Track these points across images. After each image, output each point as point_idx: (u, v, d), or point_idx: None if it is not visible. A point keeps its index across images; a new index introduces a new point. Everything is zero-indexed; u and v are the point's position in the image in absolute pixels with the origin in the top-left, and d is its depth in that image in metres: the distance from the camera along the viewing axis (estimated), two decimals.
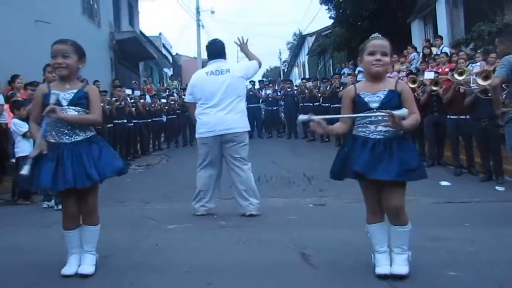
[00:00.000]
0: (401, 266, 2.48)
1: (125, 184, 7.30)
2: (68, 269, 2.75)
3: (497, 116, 4.39)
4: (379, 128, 2.51)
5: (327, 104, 11.23)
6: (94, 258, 2.83)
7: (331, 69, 21.66)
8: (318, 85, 12.57)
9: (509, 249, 3.14)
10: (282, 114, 13.55)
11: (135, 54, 16.77)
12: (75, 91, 2.77)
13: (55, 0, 10.79)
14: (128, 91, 10.68)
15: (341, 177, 2.62)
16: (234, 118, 4.46)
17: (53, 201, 5.31)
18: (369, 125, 2.53)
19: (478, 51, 8.94)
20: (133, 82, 13.70)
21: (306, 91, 12.25)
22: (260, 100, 13.42)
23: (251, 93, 13.34)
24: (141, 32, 18.86)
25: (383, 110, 2.45)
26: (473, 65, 7.70)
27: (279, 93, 13.40)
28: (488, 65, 7.45)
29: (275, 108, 13.27)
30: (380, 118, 2.49)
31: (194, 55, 26.09)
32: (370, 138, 2.51)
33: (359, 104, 2.56)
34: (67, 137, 2.72)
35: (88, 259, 2.80)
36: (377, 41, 2.55)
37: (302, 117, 2.50)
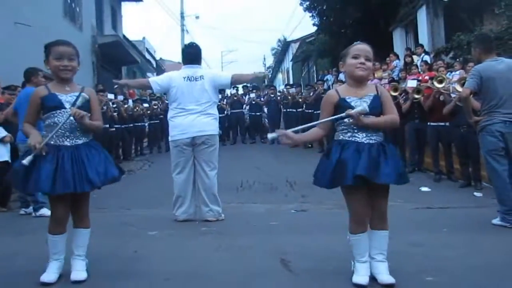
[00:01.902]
0: (388, 275, 2.49)
1: (106, 190, 7.02)
2: (47, 276, 2.69)
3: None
4: (370, 133, 2.52)
5: (310, 110, 11.31)
6: (85, 263, 2.80)
7: (315, 76, 21.82)
8: (302, 91, 12.66)
9: (485, 254, 3.19)
10: (266, 120, 13.57)
11: (118, 58, 16.60)
12: (76, 94, 2.76)
13: (35, 2, 10.57)
14: (111, 96, 10.56)
15: (335, 185, 2.52)
16: (206, 121, 4.51)
17: (31, 207, 5.19)
18: (359, 130, 2.52)
19: (458, 60, 9.13)
20: (115, 86, 13.53)
21: (289, 97, 12.32)
22: (244, 106, 13.43)
23: (235, 98, 13.38)
24: (124, 36, 18.69)
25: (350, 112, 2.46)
26: (452, 73, 7.86)
27: (262, 99, 13.44)
28: (467, 73, 7.62)
29: (258, 113, 13.30)
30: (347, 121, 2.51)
31: (178, 60, 25.99)
32: (363, 143, 2.50)
33: (344, 109, 2.51)
34: (68, 140, 2.70)
35: (80, 265, 2.77)
36: (362, 46, 2.58)
37: (270, 136, 2.49)
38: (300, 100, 11.90)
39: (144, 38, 24.32)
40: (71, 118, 2.66)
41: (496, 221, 4.08)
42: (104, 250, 3.42)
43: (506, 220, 3.98)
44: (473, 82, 4.13)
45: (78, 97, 2.72)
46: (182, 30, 23.07)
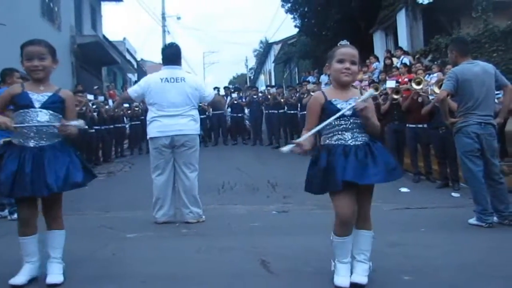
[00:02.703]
0: (361, 276, 2.48)
1: (84, 193, 6.95)
2: (17, 279, 2.62)
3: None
4: (356, 134, 2.52)
5: (293, 111, 11.35)
6: (61, 266, 2.74)
7: (297, 77, 21.94)
8: (283, 92, 12.71)
9: (462, 253, 3.25)
10: (247, 121, 13.55)
11: (98, 58, 16.38)
12: (49, 94, 2.71)
13: (11, 0, 10.36)
14: (90, 97, 10.40)
15: (325, 190, 2.51)
16: (185, 122, 4.47)
17: (6, 210, 5.07)
18: (345, 133, 2.51)
19: (436, 62, 9.30)
20: (95, 87, 13.36)
21: (269, 96, 12.33)
22: (225, 107, 13.38)
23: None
24: (104, 37, 18.46)
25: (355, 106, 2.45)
26: (430, 76, 7.99)
27: (244, 100, 13.42)
28: (444, 76, 7.76)
29: (240, 115, 13.27)
30: (354, 124, 2.51)
31: (160, 61, 25.78)
32: (350, 145, 2.49)
33: (330, 111, 2.51)
34: (32, 141, 2.63)
35: (56, 268, 2.71)
36: (347, 49, 2.55)
37: (284, 149, 2.41)
38: (282, 101, 11.93)
39: (124, 38, 24.06)
40: (41, 120, 2.63)
41: (473, 220, 4.16)
42: (81, 253, 3.35)
43: (482, 220, 4.06)
44: (450, 84, 4.21)
45: (24, 96, 2.66)
46: (164, 31, 22.91)
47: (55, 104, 2.71)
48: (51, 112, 2.69)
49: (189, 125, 4.49)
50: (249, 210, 5.48)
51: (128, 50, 24.05)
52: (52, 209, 2.74)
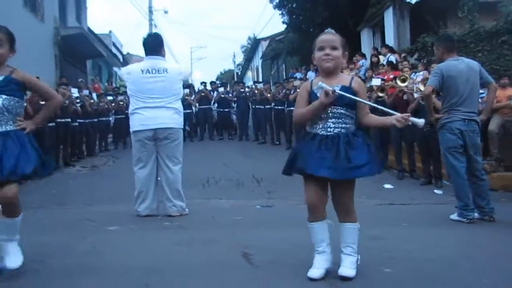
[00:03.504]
0: (349, 269, 2.48)
1: (67, 186, 6.99)
2: None
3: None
4: (328, 123, 2.50)
5: (280, 107, 11.34)
6: (16, 244, 2.65)
7: (284, 74, 21.94)
8: (270, 88, 12.70)
9: (442, 247, 3.28)
10: (234, 116, 13.52)
11: (83, 51, 16.13)
12: (1, 78, 2.60)
13: None
14: (74, 90, 10.22)
15: (290, 172, 2.59)
16: (169, 114, 4.40)
17: None
18: (320, 121, 2.52)
19: (422, 61, 9.37)
20: (80, 80, 13.15)
21: (256, 91, 12.30)
22: (212, 102, 13.33)
23: (202, 94, 13.25)
24: (89, 29, 18.18)
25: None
26: (416, 74, 8.04)
27: (231, 95, 13.38)
28: (430, 74, 7.84)
29: (227, 110, 13.22)
30: (329, 114, 2.50)
31: None
32: (318, 134, 2.50)
33: (313, 100, 2.52)
34: None
35: (11, 247, 2.62)
36: (326, 36, 2.54)
37: (322, 84, 2.42)
38: (268, 96, 11.92)
39: (110, 31, 23.73)
40: None
41: (454, 216, 4.20)
42: (61, 246, 3.31)
43: (463, 216, 4.11)
44: (435, 80, 4.24)
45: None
46: (150, 24, 22.68)
47: (9, 87, 2.61)
48: (4, 96, 2.58)
49: (172, 118, 4.42)
50: (233, 204, 5.47)
51: (114, 44, 23.73)
52: (5, 194, 2.55)
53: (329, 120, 2.50)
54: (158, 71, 4.39)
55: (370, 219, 4.22)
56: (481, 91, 4.86)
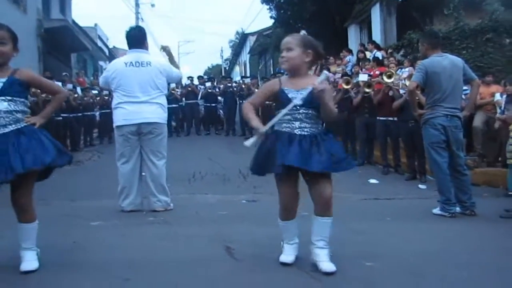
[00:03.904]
0: (329, 263, 2.50)
1: (51, 181, 6.73)
2: None
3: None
4: (304, 124, 2.55)
5: (267, 102, 11.30)
6: (35, 253, 2.67)
7: (272, 69, 21.92)
8: (258, 83, 12.68)
9: (424, 241, 3.32)
10: (221, 111, 13.48)
11: (67, 44, 15.87)
12: (4, 80, 2.57)
13: None
14: (58, 84, 10.07)
15: (264, 172, 2.58)
16: (152, 109, 4.33)
17: None
18: (294, 122, 2.55)
19: (408, 57, 9.44)
20: (64, 74, 12.95)
21: (243, 86, 12.28)
22: (199, 97, 13.28)
23: (189, 89, 13.18)
24: (74, 22, 17.90)
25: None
26: (402, 70, 8.11)
27: (218, 90, 13.33)
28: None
29: (213, 105, 13.19)
30: (302, 114, 2.53)
31: None
32: (296, 134, 2.52)
33: (281, 99, 2.57)
34: None
35: (29, 255, 2.64)
36: (285, 39, 2.61)
37: (248, 143, 2.48)
38: (255, 90, 11.89)
39: (96, 24, 23.44)
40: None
41: (436, 210, 4.25)
42: (41, 241, 3.21)
43: (445, 210, 4.16)
44: (419, 76, 4.27)
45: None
46: (137, 18, 22.41)
47: (13, 88, 2.58)
48: (9, 98, 2.56)
49: (156, 112, 4.36)
50: (219, 199, 5.45)
51: (99, 37, 23.45)
52: (19, 199, 2.60)
53: (304, 121, 2.55)
54: (141, 64, 4.33)
55: (355, 214, 4.27)
56: (465, 87, 4.93)
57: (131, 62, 4.33)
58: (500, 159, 6.40)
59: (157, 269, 2.65)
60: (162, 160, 4.46)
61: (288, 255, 2.65)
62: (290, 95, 2.55)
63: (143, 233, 3.57)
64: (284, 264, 2.62)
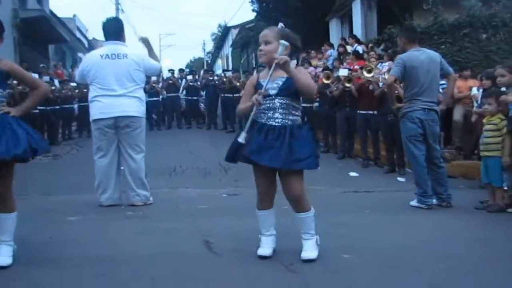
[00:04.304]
0: (310, 252, 2.57)
1: (27, 175, 6.71)
2: None
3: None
4: (276, 114, 2.56)
5: None
6: (11, 249, 2.62)
7: (254, 62, 21.85)
8: (240, 76, 12.64)
9: (401, 232, 3.37)
10: (202, 104, 13.39)
11: (44, 35, 15.52)
12: None
13: None
14: (35, 76, 9.84)
15: (234, 160, 2.66)
16: (130, 102, 4.25)
17: None
18: (267, 111, 2.57)
19: (388, 51, 9.52)
20: (41, 66, 12.65)
21: (225, 80, 12.21)
22: (180, 90, 13.16)
23: (170, 82, 13.05)
24: (51, 12, 17.49)
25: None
26: (382, 65, 8.17)
27: (199, 83, 13.23)
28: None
29: (195, 98, 13.09)
30: (277, 104, 2.54)
31: None
32: (266, 124, 2.55)
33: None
34: None
35: (4, 250, 2.58)
36: (262, 32, 2.64)
37: (241, 138, 2.51)
38: (238, 85, 11.85)
39: (75, 15, 22.97)
40: None
41: (414, 202, 4.32)
42: (17, 236, 3.16)
43: (422, 202, 4.23)
44: (398, 70, 4.31)
45: None
46: (117, 9, 21.95)
47: None
48: None
49: (133, 106, 4.28)
50: (199, 193, 5.43)
51: (78, 28, 23.00)
52: None
53: (277, 111, 2.56)
54: (118, 56, 4.23)
55: (334, 207, 4.31)
56: (442, 81, 5.00)
57: (107, 55, 4.23)
58: (476, 152, 6.52)
59: (134, 264, 2.63)
60: (140, 154, 4.39)
61: (265, 248, 2.67)
62: (266, 86, 2.57)
63: (121, 228, 3.54)
64: (262, 257, 2.64)
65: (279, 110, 2.55)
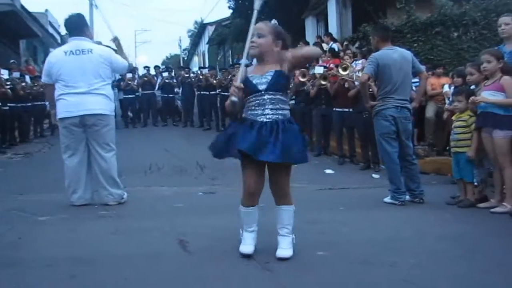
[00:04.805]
0: (285, 250, 2.58)
1: None
2: None
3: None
4: (266, 111, 2.55)
5: (226, 93, 11.25)
6: None
7: (231, 60, 21.79)
8: (216, 73, 12.57)
9: (374, 229, 3.41)
10: (179, 102, 13.26)
11: (15, 30, 15.03)
12: None
13: None
14: (4, 72, 9.55)
15: (223, 155, 2.61)
16: (97, 100, 4.14)
17: None
18: (257, 108, 2.56)
19: (362, 49, 9.63)
20: (11, 61, 12.26)
21: (201, 77, 12.12)
22: (156, 87, 13.00)
23: (145, 79, 12.87)
24: (22, 7, 16.94)
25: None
26: (356, 63, 8.26)
27: (175, 80, 13.10)
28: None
29: (171, 96, 12.95)
30: (267, 100, 2.54)
31: None
32: (257, 120, 2.54)
33: (248, 87, 2.58)
34: None
35: None
36: (256, 25, 2.61)
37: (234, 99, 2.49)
38: (214, 82, 11.78)
39: (47, 10, 22.32)
40: None
41: (387, 199, 4.38)
42: None
43: (395, 198, 4.30)
44: (371, 68, 4.36)
45: None
46: (91, 4, 21.44)
47: None
48: None
49: (100, 103, 4.15)
50: (175, 191, 5.39)
51: (51, 23, 22.38)
52: None
53: (267, 107, 2.55)
54: (82, 51, 4.11)
55: (310, 204, 4.32)
56: (415, 80, 5.09)
57: (71, 51, 4.12)
58: (448, 148, 6.67)
59: (106, 265, 2.58)
60: (110, 152, 4.27)
61: (247, 245, 2.66)
62: (254, 81, 2.57)
63: (93, 228, 3.46)
64: (244, 256, 2.62)
65: (269, 105, 2.55)
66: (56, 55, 4.23)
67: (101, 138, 4.21)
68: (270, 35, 2.58)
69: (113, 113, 4.39)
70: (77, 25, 4.23)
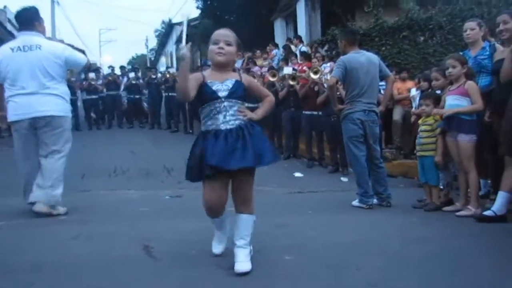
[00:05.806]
0: (243, 263, 2.43)
1: None
2: None
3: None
4: (228, 117, 2.48)
5: None
6: None
7: (199, 60, 21.58)
8: None
9: (342, 232, 3.41)
10: (145, 103, 12.99)
11: None
12: None
13: None
14: None
15: (200, 177, 2.47)
16: (48, 100, 3.85)
17: None
18: (217, 116, 2.48)
19: (329, 52, 9.73)
20: None
21: (168, 76, 11.91)
22: (121, 88, 12.69)
23: (110, 79, 12.55)
24: None
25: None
26: (325, 66, 8.34)
27: (141, 81, 12.82)
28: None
29: (137, 97, 12.67)
30: (227, 106, 2.48)
31: (48, 34, 23.48)
32: (221, 129, 2.46)
33: (205, 93, 2.49)
34: None
35: None
36: (222, 31, 2.57)
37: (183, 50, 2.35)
38: None
39: (5, 7, 21.44)
40: None
41: (355, 202, 4.41)
42: None
43: (363, 202, 4.33)
44: (339, 72, 4.38)
45: None
46: (52, 1, 20.76)
47: None
48: None
49: (51, 104, 3.86)
50: (141, 195, 5.27)
51: (9, 20, 21.51)
52: None
53: (228, 113, 2.49)
54: (30, 48, 3.82)
55: (278, 208, 4.31)
56: (382, 83, 5.16)
57: (18, 47, 3.82)
58: (415, 151, 6.81)
59: (67, 271, 2.45)
60: (57, 154, 3.95)
61: (219, 246, 2.69)
62: (214, 87, 2.50)
63: (53, 233, 3.31)
64: (217, 255, 2.66)
65: (230, 111, 2.49)
66: (2, 52, 3.89)
67: (51, 140, 3.91)
68: (235, 46, 2.56)
69: (69, 114, 4.10)
70: (27, 19, 3.92)
